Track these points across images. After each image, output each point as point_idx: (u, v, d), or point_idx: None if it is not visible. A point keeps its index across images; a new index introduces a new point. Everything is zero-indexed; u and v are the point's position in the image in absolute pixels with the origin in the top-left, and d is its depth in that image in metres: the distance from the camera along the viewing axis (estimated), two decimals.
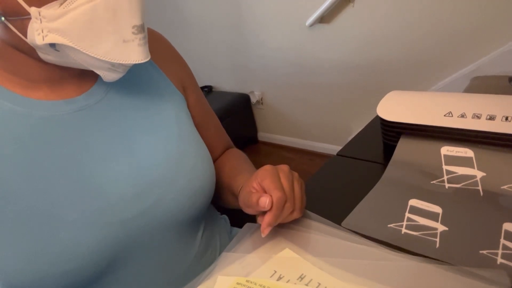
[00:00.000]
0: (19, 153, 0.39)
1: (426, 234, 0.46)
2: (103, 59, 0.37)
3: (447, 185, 0.53)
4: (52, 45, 0.36)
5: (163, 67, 0.54)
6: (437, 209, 0.49)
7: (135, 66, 0.51)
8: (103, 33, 0.36)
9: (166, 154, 0.48)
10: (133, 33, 0.37)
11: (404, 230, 0.47)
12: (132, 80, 0.50)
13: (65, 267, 0.39)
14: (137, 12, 0.37)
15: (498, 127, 0.52)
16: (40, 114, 0.41)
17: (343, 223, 0.50)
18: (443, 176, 0.54)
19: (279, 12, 1.90)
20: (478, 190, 0.51)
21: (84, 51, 0.36)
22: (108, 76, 0.40)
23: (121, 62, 0.38)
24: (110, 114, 0.46)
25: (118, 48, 0.37)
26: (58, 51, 0.37)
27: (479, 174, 0.52)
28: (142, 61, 0.39)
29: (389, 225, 0.48)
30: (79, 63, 0.38)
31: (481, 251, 0.42)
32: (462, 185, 0.52)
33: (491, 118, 0.53)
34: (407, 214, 0.49)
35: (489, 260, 0.41)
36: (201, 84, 2.43)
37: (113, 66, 0.39)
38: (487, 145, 0.54)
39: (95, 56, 0.37)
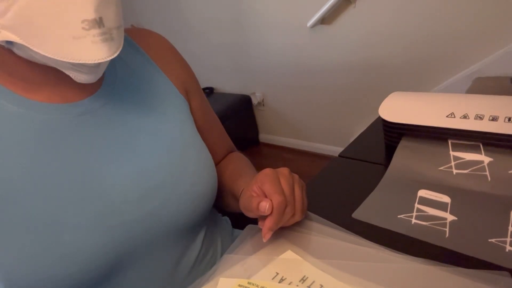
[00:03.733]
0: (23, 155, 0.39)
1: (436, 224, 0.47)
2: (53, 57, 0.34)
3: (454, 171, 0.53)
4: (9, 43, 0.35)
5: (166, 71, 0.54)
6: (446, 198, 0.50)
7: (138, 70, 0.51)
8: (49, 29, 0.33)
9: (169, 158, 0.48)
10: (83, 28, 0.33)
11: (414, 221, 0.48)
12: (136, 84, 0.50)
13: (68, 270, 0.39)
14: (86, 4, 0.33)
15: (501, 128, 0.52)
16: (44, 117, 0.41)
17: (353, 215, 0.51)
18: (450, 162, 0.54)
19: (280, 13, 1.90)
20: (486, 175, 0.51)
21: (34, 49, 0.34)
22: (78, 77, 0.38)
23: (73, 61, 0.35)
24: (113, 118, 0.46)
25: (68, 45, 0.34)
26: (18, 50, 0.35)
27: (487, 160, 0.53)
28: (99, 61, 0.35)
29: (399, 216, 0.49)
30: (42, 61, 0.36)
31: (489, 240, 0.43)
32: (470, 171, 0.52)
33: (494, 119, 0.53)
34: (416, 205, 0.50)
35: (498, 248, 0.41)
36: (202, 86, 2.42)
37: (74, 66, 0.36)
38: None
39: (45, 54, 0.34)
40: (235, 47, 2.21)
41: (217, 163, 0.63)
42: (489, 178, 0.51)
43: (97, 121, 0.45)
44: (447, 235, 0.45)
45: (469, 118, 0.55)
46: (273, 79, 2.16)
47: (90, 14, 0.33)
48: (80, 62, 0.35)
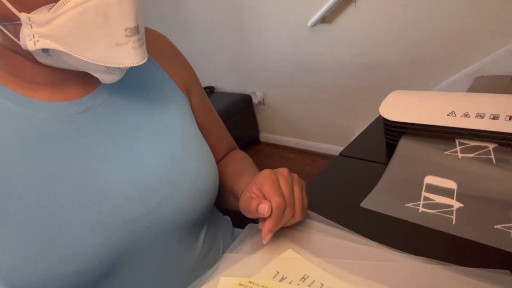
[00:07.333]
0: (23, 154, 0.39)
1: (443, 212, 0.48)
2: (96, 63, 0.36)
3: (460, 155, 0.54)
4: (45, 50, 0.36)
5: (167, 69, 0.54)
6: (452, 184, 0.51)
7: (139, 68, 0.51)
8: (94, 37, 0.35)
9: (170, 156, 0.48)
10: (126, 35, 0.36)
11: (421, 209, 0.49)
12: (136, 82, 0.50)
13: (67, 268, 0.39)
14: (129, 14, 0.36)
15: (502, 126, 0.52)
16: (44, 115, 0.41)
17: (362, 204, 0.52)
18: (455, 147, 0.55)
19: (280, 12, 1.90)
20: (491, 158, 0.52)
21: (76, 56, 0.36)
22: (106, 78, 0.40)
23: (115, 65, 0.37)
24: (114, 115, 0.46)
25: (111, 51, 0.36)
26: (51, 56, 0.37)
27: (492, 145, 0.54)
28: (137, 64, 0.38)
29: (406, 205, 0.50)
30: (74, 66, 0.38)
31: (495, 226, 0.44)
32: (475, 155, 0.53)
33: (495, 117, 0.53)
34: (423, 193, 0.51)
35: (503, 234, 0.43)
36: (203, 85, 2.42)
37: (109, 69, 0.39)
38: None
39: (88, 60, 0.36)
40: (235, 46, 2.21)
41: (218, 161, 0.63)
42: (494, 161, 0.51)
43: (97, 118, 0.45)
44: (453, 222, 0.46)
45: (470, 117, 0.55)
46: (273, 78, 2.16)
47: (132, 23, 0.36)
48: (121, 66, 0.37)
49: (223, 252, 0.58)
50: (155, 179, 0.46)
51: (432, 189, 0.51)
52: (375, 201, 0.52)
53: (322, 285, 0.40)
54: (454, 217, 0.47)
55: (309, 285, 0.40)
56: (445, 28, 1.49)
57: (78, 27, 0.34)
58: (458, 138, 0.56)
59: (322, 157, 2.17)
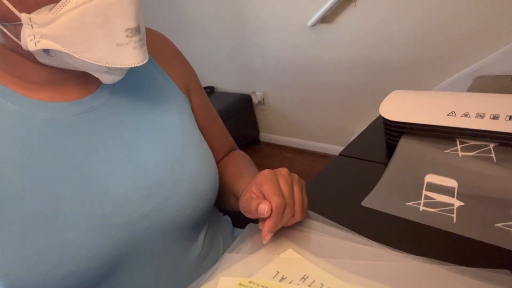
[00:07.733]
0: (24, 154, 0.39)
1: (444, 211, 0.48)
2: (97, 63, 0.36)
3: (460, 154, 0.55)
4: (46, 51, 0.36)
5: (167, 69, 0.54)
6: (452, 183, 0.51)
7: (139, 68, 0.51)
8: (95, 38, 0.35)
9: (170, 157, 0.48)
10: (127, 36, 0.36)
11: (422, 208, 0.49)
12: (137, 82, 0.50)
13: (68, 269, 0.39)
14: (130, 15, 0.36)
15: (502, 126, 0.52)
16: (45, 116, 0.41)
17: (363, 203, 0.53)
18: (456, 146, 0.56)
19: (280, 12, 1.90)
20: (492, 157, 0.52)
21: (77, 56, 0.36)
22: (106, 78, 0.40)
23: (116, 66, 0.37)
24: (115, 116, 0.46)
25: (112, 52, 0.36)
26: (52, 56, 0.37)
27: (492, 144, 0.54)
28: (138, 64, 0.38)
29: (407, 204, 0.50)
30: (75, 66, 0.38)
31: (496, 225, 0.44)
32: (476, 153, 0.54)
33: (495, 117, 0.53)
34: (424, 192, 0.51)
35: (504, 233, 0.43)
36: (203, 85, 2.42)
37: (110, 69, 0.39)
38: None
39: (89, 60, 0.36)
40: (235, 46, 2.21)
41: (218, 161, 0.63)
42: (495, 160, 0.52)
43: (98, 119, 0.45)
44: (454, 221, 0.46)
45: (470, 117, 0.55)
46: (273, 78, 2.16)
47: (132, 23, 0.36)
48: (122, 66, 0.37)
49: (223, 252, 0.58)
50: (156, 180, 0.46)
51: (433, 187, 0.52)
52: (376, 199, 0.53)
53: (322, 285, 0.40)
54: (454, 215, 0.47)
55: (309, 285, 0.40)
56: (445, 28, 1.49)
57: (79, 28, 0.34)
58: (458, 137, 0.56)
59: (322, 157, 2.17)
